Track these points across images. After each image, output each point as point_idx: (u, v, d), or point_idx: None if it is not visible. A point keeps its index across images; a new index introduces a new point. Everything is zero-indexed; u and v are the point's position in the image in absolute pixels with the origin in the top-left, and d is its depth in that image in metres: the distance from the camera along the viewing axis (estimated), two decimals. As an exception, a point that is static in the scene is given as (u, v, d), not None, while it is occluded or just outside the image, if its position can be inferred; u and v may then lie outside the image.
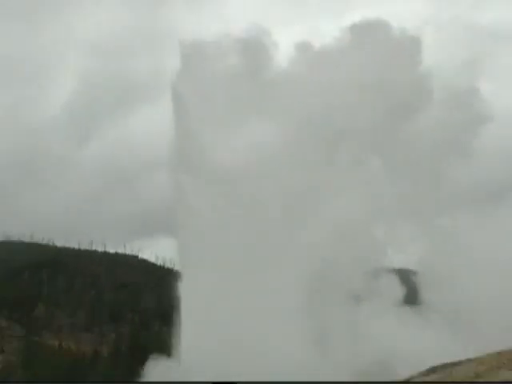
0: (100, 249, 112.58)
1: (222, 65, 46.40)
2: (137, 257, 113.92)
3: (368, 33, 45.78)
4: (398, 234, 43.10)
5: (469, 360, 23.25)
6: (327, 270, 39.85)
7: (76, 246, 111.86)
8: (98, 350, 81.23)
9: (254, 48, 47.40)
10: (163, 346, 44.50)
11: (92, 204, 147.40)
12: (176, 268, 54.19)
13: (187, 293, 39.63)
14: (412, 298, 42.31)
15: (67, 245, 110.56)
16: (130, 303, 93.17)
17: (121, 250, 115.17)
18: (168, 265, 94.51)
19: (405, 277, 43.89)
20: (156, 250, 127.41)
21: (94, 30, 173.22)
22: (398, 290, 41.15)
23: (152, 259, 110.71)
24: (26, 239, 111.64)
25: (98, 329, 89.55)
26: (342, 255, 39.71)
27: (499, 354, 22.64)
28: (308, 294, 38.56)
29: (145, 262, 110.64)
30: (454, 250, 39.67)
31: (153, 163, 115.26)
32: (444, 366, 23.77)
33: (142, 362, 42.82)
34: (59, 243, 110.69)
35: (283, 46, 48.40)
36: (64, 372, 66.05)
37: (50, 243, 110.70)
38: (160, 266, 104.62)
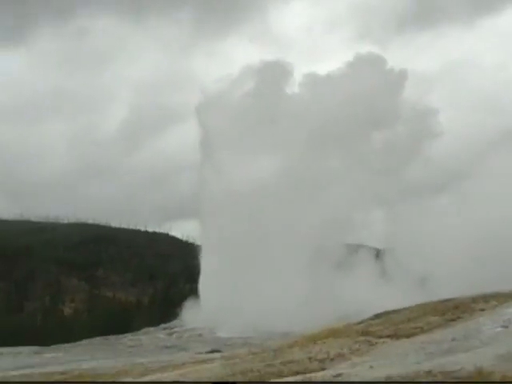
0: (142, 228, 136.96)
1: (236, 96, 54.38)
2: (168, 234, 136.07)
3: (365, 65, 54.20)
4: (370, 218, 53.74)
5: (404, 308, 25.65)
6: (320, 246, 48.37)
7: (125, 226, 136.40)
8: (140, 300, 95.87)
9: (271, 74, 54.74)
10: (186, 298, 53.09)
11: (137, 196, 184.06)
12: (197, 243, 63.78)
13: (205, 261, 51.27)
14: (382, 268, 47.29)
15: (119, 225, 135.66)
16: (163, 267, 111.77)
17: (157, 229, 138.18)
18: (191, 241, 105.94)
19: (376, 252, 51.45)
20: (182, 230, 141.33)
21: (139, 72, 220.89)
22: (372, 263, 48.49)
23: (179, 236, 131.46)
24: (90, 221, 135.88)
25: (141, 285, 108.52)
26: (331, 236, 49.57)
27: (425, 304, 25.33)
28: (305, 264, 46.07)
29: (174, 238, 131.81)
30: (413, 229, 44.82)
31: (182, 167, 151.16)
32: (386, 313, 26.12)
33: (170, 309, 58.89)
34: (113, 224, 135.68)
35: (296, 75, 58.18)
36: (116, 316, 77.61)
37: (107, 224, 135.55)
38: (185, 242, 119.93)
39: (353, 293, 40.25)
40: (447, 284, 33.48)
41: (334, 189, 49.90)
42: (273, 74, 54.86)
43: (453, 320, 21.12)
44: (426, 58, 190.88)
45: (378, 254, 50.04)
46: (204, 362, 24.75)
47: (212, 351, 32.41)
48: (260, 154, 52.20)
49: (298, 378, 16.59)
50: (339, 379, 15.69)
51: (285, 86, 55.80)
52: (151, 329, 48.84)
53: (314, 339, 22.25)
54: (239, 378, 18.29)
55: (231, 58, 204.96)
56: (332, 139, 51.97)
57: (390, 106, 53.53)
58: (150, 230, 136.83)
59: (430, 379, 13.90)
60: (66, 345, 45.42)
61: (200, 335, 42.42)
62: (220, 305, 44.54)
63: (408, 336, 20.25)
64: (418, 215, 45.80)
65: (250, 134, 52.43)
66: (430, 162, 52.85)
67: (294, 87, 56.23)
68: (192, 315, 48.20)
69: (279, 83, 55.18)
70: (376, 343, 20.16)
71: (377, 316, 26.09)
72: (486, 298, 23.13)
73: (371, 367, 16.65)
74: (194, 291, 51.86)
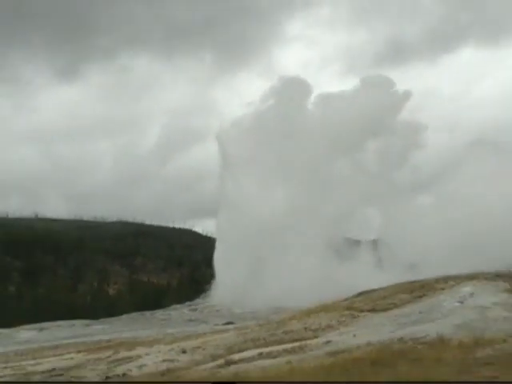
0: (171, 225, 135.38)
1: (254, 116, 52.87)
2: (191, 230, 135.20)
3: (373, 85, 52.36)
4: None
5: (381, 288, 25.63)
6: (327, 239, 47.33)
7: (158, 223, 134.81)
8: (170, 283, 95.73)
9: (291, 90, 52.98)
10: (208, 280, 54.30)
11: (167, 199, 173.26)
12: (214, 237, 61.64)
13: (219, 252, 51.11)
14: (377, 257, 46.64)
15: (153, 223, 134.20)
16: (188, 256, 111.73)
17: (183, 226, 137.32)
18: (209, 235, 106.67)
19: (371, 243, 49.86)
20: (203, 226, 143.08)
21: (170, 100, 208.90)
22: (368, 253, 47.49)
23: (200, 231, 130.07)
24: (130, 219, 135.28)
25: (170, 270, 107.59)
26: (337, 229, 49.21)
27: (397, 284, 25.46)
28: (315, 251, 45.10)
29: (196, 233, 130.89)
30: (404, 223, 43.88)
31: (203, 177, 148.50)
32: (366, 292, 25.96)
33: (195, 290, 60.40)
34: (148, 221, 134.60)
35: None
36: (150, 295, 77.86)
37: (143, 221, 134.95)
38: (205, 236, 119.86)
39: (352, 277, 39.07)
40: (430, 268, 33.09)
41: (339, 190, 49.20)
42: (292, 90, 53.11)
43: (419, 297, 21.12)
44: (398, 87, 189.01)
45: (372, 244, 49.01)
46: (221, 332, 24.78)
47: (227, 323, 32.41)
48: (274, 171, 51.28)
49: (296, 344, 16.60)
50: (329, 345, 15.69)
51: (303, 103, 54.21)
52: (178, 306, 48.83)
53: (308, 313, 22.27)
54: (249, 345, 18.30)
55: (243, 89, 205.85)
56: (339, 149, 51.02)
57: (390, 121, 52.32)
58: (177, 226, 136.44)
59: (402, 345, 13.90)
60: (111, 318, 45.53)
61: (218, 311, 42.41)
62: (233, 286, 44.63)
63: (384, 310, 20.25)
64: (405, 212, 45.31)
65: (266, 150, 51.39)
66: (416, 169, 51.53)
67: (310, 104, 54.52)
68: (211, 295, 48.79)
69: (298, 99, 53.43)
70: (358, 316, 20.16)
71: (359, 294, 26.04)
72: (446, 279, 23.12)
73: (354, 335, 16.64)
74: (213, 276, 51.75)
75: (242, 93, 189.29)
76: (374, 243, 49.00)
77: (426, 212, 44.34)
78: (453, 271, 24.76)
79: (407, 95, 53.21)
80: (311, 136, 50.42)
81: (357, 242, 51.49)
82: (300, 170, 49.89)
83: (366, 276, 38.21)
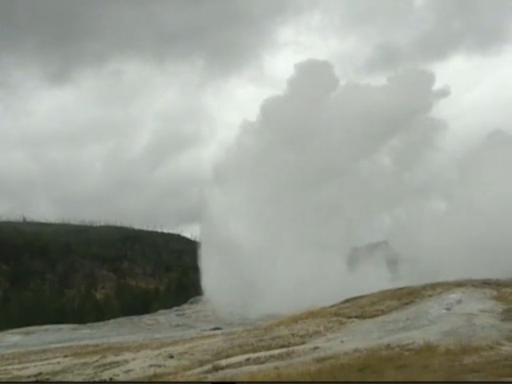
0: (159, 230, 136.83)
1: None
2: (180, 235, 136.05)
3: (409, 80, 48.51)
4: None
5: (368, 295, 25.54)
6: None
7: (146, 228, 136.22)
8: (158, 287, 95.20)
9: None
10: (196, 286, 53.60)
11: (156, 204, 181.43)
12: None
13: (205, 256, 47.99)
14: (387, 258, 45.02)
15: (141, 227, 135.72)
16: (177, 261, 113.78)
17: (171, 231, 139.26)
18: (198, 240, 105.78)
19: (381, 244, 47.79)
20: (191, 232, 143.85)
21: (160, 105, 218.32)
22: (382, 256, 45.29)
23: (189, 236, 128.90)
24: (118, 224, 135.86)
25: (158, 275, 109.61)
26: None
27: (385, 291, 25.42)
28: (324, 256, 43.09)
29: (185, 238, 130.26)
30: (411, 227, 42.70)
31: (192, 182, 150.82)
32: (354, 298, 25.87)
33: (183, 295, 60.32)
34: (136, 226, 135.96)
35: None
36: (138, 300, 77.86)
37: (131, 226, 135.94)
38: (194, 241, 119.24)
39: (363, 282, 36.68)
40: (437, 268, 32.66)
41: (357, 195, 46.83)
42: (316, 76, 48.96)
43: (407, 304, 21.14)
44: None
45: (382, 245, 46.99)
46: (208, 337, 24.68)
47: (215, 329, 32.29)
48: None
49: (283, 350, 16.55)
50: (316, 351, 15.64)
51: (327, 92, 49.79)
52: (166, 311, 48.64)
53: (296, 319, 22.21)
54: (237, 351, 18.23)
55: (234, 94, 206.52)
56: (359, 148, 47.45)
57: (417, 119, 47.92)
58: (166, 231, 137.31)
59: (389, 352, 13.88)
60: (98, 323, 45.27)
61: (205, 316, 42.29)
62: (218, 292, 43.75)
63: (372, 317, 20.25)
64: (415, 213, 44.36)
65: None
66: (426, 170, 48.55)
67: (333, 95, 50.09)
68: (199, 301, 48.33)
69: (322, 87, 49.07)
70: (346, 322, 20.14)
71: (346, 300, 26.00)
72: (433, 286, 23.16)
73: (342, 342, 16.61)
74: (200, 281, 51.17)
75: (233, 98, 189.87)
76: (382, 245, 47.12)
77: (439, 216, 42.75)
78: (471, 275, 24.43)
79: (444, 93, 48.73)
80: (329, 131, 46.86)
81: (368, 246, 48.90)
82: (317, 171, 46.72)
83: (378, 280, 36.52)
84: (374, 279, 37.40)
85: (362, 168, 49.57)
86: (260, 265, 43.50)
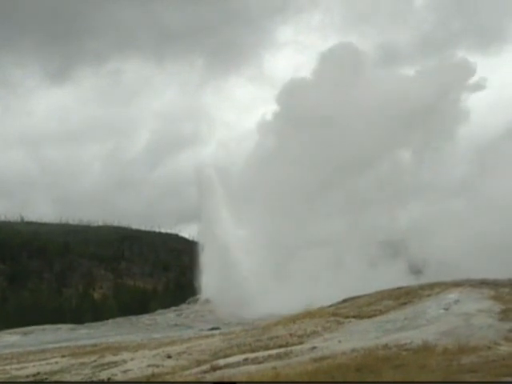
0: (157, 229, 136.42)
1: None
2: (177, 235, 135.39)
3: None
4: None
5: (366, 295, 25.51)
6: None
7: (144, 228, 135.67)
8: (156, 287, 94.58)
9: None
10: (194, 286, 52.80)
11: (154, 204, 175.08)
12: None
13: (205, 257, 49.18)
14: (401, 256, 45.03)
15: (139, 227, 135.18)
16: (174, 260, 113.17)
17: (169, 231, 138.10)
18: (196, 240, 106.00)
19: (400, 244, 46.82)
20: (189, 231, 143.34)
21: (160, 104, 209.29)
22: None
23: (187, 236, 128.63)
24: (116, 224, 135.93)
25: (156, 275, 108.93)
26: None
27: (383, 291, 25.24)
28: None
29: (183, 238, 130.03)
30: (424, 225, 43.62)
31: (191, 182, 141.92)
32: (351, 298, 25.92)
33: (181, 295, 59.37)
34: (134, 226, 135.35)
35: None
36: (136, 300, 77.53)
37: (129, 226, 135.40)
38: (191, 241, 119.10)
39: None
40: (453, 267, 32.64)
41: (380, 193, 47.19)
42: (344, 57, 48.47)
43: (405, 303, 21.14)
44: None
45: (398, 245, 46.30)
46: (206, 337, 24.67)
47: (212, 328, 32.28)
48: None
49: (281, 350, 16.55)
50: (314, 351, 15.64)
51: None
52: (164, 310, 48.58)
53: (293, 319, 22.20)
54: (235, 351, 18.22)
55: (233, 93, 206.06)
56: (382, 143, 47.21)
57: (444, 110, 46.82)
58: (164, 231, 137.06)
59: (386, 351, 13.89)
60: (96, 323, 45.25)
61: (203, 316, 42.28)
62: (216, 292, 44.32)
63: (369, 316, 20.25)
64: (430, 213, 44.49)
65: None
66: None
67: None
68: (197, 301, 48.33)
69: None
70: (343, 322, 20.13)
71: (344, 301, 26.00)
72: (431, 286, 23.16)
73: (339, 341, 16.61)
74: (199, 281, 51.16)
75: (233, 98, 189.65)
76: (399, 244, 46.39)
77: (457, 215, 42.27)
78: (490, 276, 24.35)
79: (480, 86, 47.82)
80: (355, 122, 45.93)
81: (384, 243, 47.75)
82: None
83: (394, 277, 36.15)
84: (392, 276, 37.01)
85: (383, 163, 49.53)
86: (259, 264, 43.80)
